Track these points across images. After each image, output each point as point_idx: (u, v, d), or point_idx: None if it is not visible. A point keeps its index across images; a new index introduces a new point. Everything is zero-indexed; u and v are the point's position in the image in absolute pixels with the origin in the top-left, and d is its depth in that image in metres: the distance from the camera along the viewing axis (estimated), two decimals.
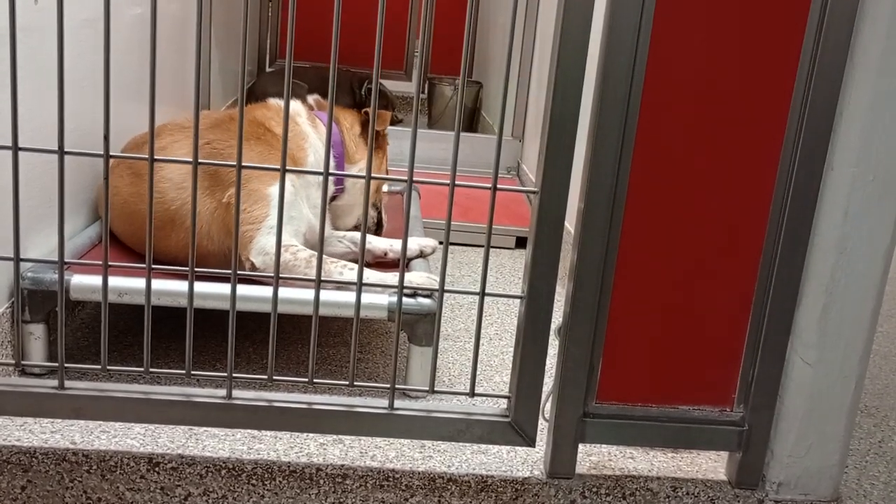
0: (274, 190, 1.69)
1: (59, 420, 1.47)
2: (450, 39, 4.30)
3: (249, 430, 1.50)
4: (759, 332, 1.41)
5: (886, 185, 1.34)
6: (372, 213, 2.14)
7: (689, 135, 1.32)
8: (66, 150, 1.23)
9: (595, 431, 1.43)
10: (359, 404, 1.40)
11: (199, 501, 1.41)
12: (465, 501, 1.45)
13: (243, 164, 1.29)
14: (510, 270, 2.67)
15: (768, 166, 1.34)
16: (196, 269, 1.31)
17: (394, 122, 4.20)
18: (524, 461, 1.49)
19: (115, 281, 1.57)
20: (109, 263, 1.30)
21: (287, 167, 1.32)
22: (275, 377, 1.38)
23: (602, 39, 1.26)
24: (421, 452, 1.50)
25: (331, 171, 1.91)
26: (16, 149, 1.23)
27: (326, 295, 1.64)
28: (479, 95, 4.21)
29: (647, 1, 1.25)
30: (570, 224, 1.38)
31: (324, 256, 1.55)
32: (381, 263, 1.96)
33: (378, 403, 1.40)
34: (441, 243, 1.53)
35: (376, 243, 1.98)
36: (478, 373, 1.64)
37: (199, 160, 1.29)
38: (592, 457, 1.53)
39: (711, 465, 1.55)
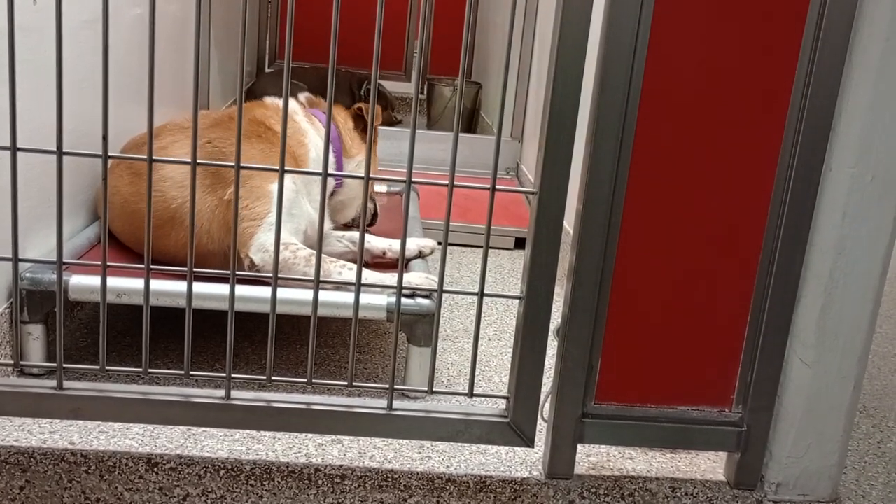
0: (276, 187, 1.70)
1: (58, 420, 1.47)
2: (449, 40, 4.31)
3: (248, 431, 1.50)
4: (757, 333, 1.41)
5: (885, 185, 1.35)
6: (370, 204, 2.16)
7: (687, 136, 1.32)
8: (64, 150, 1.23)
9: (594, 432, 1.43)
10: (357, 405, 1.40)
11: (197, 502, 1.41)
12: (464, 502, 1.45)
13: (244, 163, 1.29)
14: (509, 271, 2.67)
15: (767, 167, 1.34)
16: (195, 270, 1.31)
17: (392, 122, 4.21)
18: (523, 462, 1.49)
19: (113, 281, 1.57)
20: (108, 264, 1.30)
21: (288, 166, 1.32)
22: (273, 377, 1.38)
23: (601, 40, 1.26)
24: (420, 453, 1.50)
25: (331, 164, 1.95)
26: (14, 149, 1.23)
27: (325, 295, 1.64)
28: (479, 96, 4.21)
29: (646, 2, 1.25)
30: (569, 225, 1.38)
31: (323, 256, 1.55)
32: (380, 263, 1.96)
33: (377, 404, 1.40)
34: (440, 244, 1.54)
35: (375, 243, 1.98)
36: (476, 373, 1.64)
37: (200, 160, 1.29)
38: (591, 457, 1.54)
39: (710, 465, 1.55)
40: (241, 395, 1.38)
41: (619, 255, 1.35)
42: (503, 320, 2.22)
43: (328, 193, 2.01)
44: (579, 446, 1.45)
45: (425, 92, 4.27)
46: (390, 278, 1.71)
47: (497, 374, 1.90)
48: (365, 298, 1.62)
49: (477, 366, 1.43)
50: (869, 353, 1.45)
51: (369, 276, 1.72)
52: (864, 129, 1.32)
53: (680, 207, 1.35)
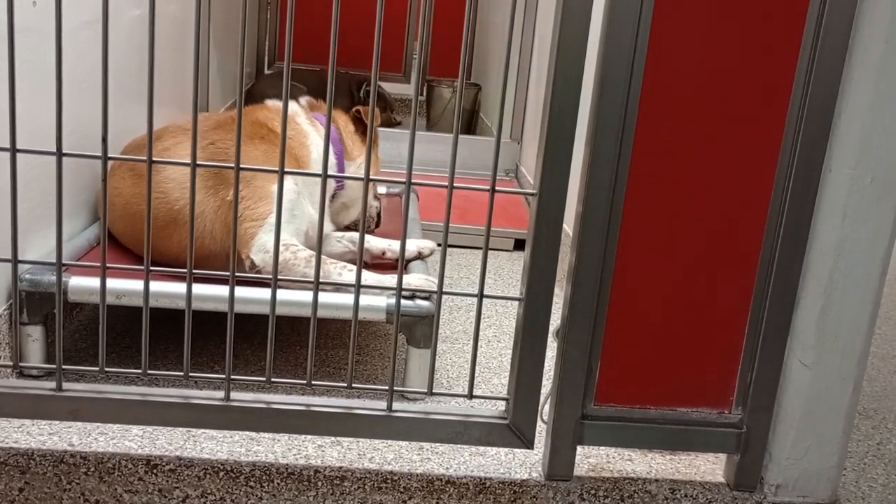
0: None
1: (57, 422, 1.47)
2: (448, 41, 4.31)
3: (247, 432, 1.50)
4: (757, 335, 1.41)
5: (885, 186, 1.35)
6: (375, 203, 2.17)
7: (687, 137, 1.32)
8: (64, 151, 1.23)
9: (593, 433, 1.43)
10: (357, 406, 1.40)
11: (196, 503, 1.41)
12: (464, 503, 1.45)
13: (245, 164, 1.29)
14: (508, 272, 2.67)
15: (767, 168, 1.34)
16: (194, 271, 1.31)
17: (392, 124, 4.21)
18: (522, 463, 1.49)
19: (113, 283, 1.57)
20: (108, 265, 1.30)
21: (291, 167, 1.32)
22: (273, 379, 1.38)
23: (601, 40, 1.26)
24: (419, 454, 1.50)
25: (333, 167, 1.96)
26: (14, 150, 1.23)
27: (325, 297, 1.64)
28: (478, 98, 4.21)
29: (646, 2, 1.25)
30: (569, 226, 1.38)
31: (323, 257, 1.55)
32: (380, 264, 1.96)
33: (376, 405, 1.40)
34: (439, 245, 1.53)
35: (374, 243, 1.99)
36: (476, 375, 1.64)
37: (201, 161, 1.29)
38: (591, 459, 1.53)
39: (710, 467, 1.55)
40: (241, 397, 1.38)
41: (619, 257, 1.35)
42: (503, 322, 2.22)
43: (330, 196, 2.01)
44: (579, 448, 1.45)
45: (425, 93, 4.27)
46: (390, 280, 1.71)
47: (497, 376, 1.90)
48: (364, 300, 1.62)
49: (476, 367, 1.42)
50: (868, 355, 1.45)
51: (369, 277, 1.72)
52: (864, 130, 1.32)
53: (680, 210, 1.35)
